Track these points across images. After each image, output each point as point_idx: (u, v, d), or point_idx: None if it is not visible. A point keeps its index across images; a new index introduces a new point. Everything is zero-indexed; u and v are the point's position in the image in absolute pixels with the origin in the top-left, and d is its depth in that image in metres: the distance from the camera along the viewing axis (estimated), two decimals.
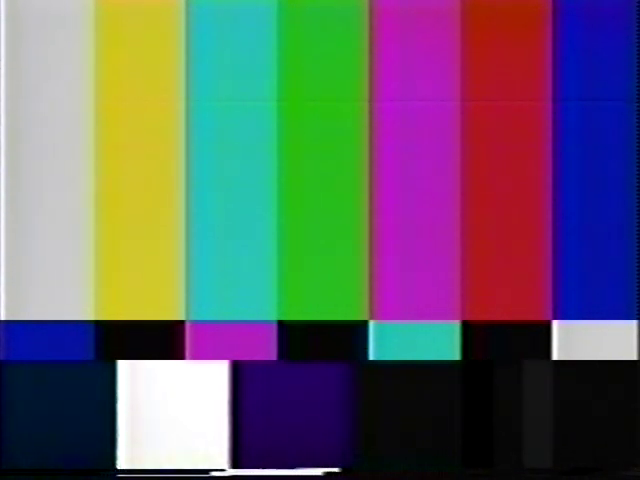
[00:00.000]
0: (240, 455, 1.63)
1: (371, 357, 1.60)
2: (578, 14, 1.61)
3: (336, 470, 1.62)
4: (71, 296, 1.61)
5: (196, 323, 1.61)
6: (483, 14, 1.61)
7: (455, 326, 1.60)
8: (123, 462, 1.62)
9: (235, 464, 1.63)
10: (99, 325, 1.60)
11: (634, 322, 1.61)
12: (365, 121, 1.61)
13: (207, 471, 1.62)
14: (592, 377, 1.62)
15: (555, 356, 1.61)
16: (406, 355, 1.61)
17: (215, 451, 1.62)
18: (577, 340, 1.61)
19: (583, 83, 1.61)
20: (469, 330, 1.60)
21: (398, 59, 1.61)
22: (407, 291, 1.61)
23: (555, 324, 1.61)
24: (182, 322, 1.61)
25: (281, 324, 1.61)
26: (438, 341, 1.60)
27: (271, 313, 1.61)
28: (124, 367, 1.62)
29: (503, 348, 1.61)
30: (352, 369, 1.62)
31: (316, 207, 1.61)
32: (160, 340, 1.60)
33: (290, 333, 1.60)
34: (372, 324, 1.60)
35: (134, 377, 1.62)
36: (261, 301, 1.61)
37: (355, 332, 1.60)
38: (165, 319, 1.61)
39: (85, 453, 1.63)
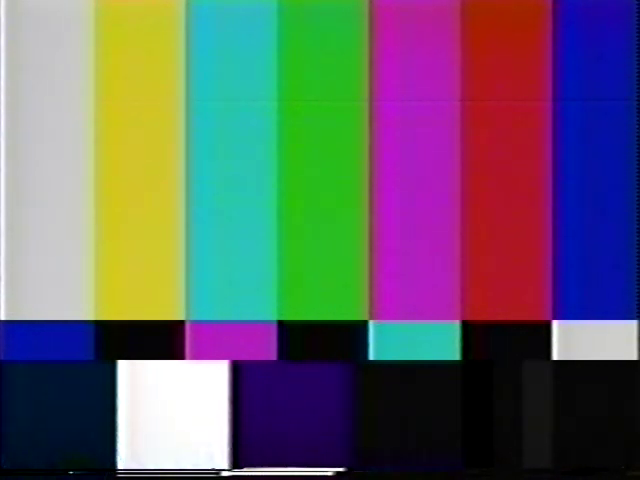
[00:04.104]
0: (240, 455, 1.63)
1: (371, 357, 1.60)
2: (578, 14, 1.61)
3: (336, 470, 1.62)
4: (71, 296, 1.61)
5: (196, 323, 1.61)
6: (483, 14, 1.61)
7: (455, 326, 1.60)
8: (123, 462, 1.62)
9: (235, 464, 1.63)
10: (99, 325, 1.60)
11: (634, 322, 1.61)
12: (365, 121, 1.61)
13: (207, 471, 1.62)
14: (592, 377, 1.62)
15: (555, 356, 1.61)
16: (406, 355, 1.61)
17: (215, 451, 1.62)
18: (577, 340, 1.61)
19: (583, 83, 1.61)
20: (469, 330, 1.60)
21: (398, 59, 1.61)
22: (407, 291, 1.61)
23: (555, 324, 1.61)
24: (182, 322, 1.61)
25: (281, 324, 1.61)
26: (438, 341, 1.60)
27: (271, 313, 1.61)
28: (124, 367, 1.62)
29: (503, 348, 1.61)
30: (352, 369, 1.62)
31: (316, 207, 1.61)
32: (160, 340, 1.60)
33: (290, 333, 1.60)
34: (372, 324, 1.60)
35: (134, 377, 1.62)
36: (261, 301, 1.61)
37: (355, 332, 1.60)
38: (165, 319, 1.61)
39: (85, 453, 1.63)
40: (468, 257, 1.61)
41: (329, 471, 1.62)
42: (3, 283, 1.61)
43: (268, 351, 1.60)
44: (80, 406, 1.63)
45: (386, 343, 1.60)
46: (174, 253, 1.61)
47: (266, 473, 1.62)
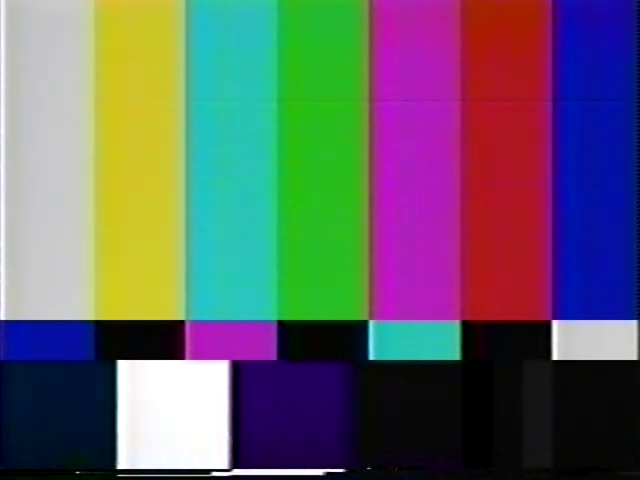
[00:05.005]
0: (240, 455, 1.63)
1: (371, 357, 1.60)
2: (578, 14, 1.61)
3: (336, 470, 1.62)
4: (71, 296, 1.61)
5: (196, 323, 1.61)
6: (483, 14, 1.61)
7: (455, 326, 1.60)
8: (123, 462, 1.62)
9: (235, 464, 1.63)
10: (99, 325, 1.60)
11: (634, 322, 1.61)
12: (365, 121, 1.61)
13: (207, 471, 1.62)
14: (592, 377, 1.62)
15: (555, 356, 1.61)
16: (406, 355, 1.61)
17: (215, 451, 1.62)
18: (577, 340, 1.61)
19: (583, 83, 1.61)
20: (469, 330, 1.60)
21: (398, 59, 1.61)
22: (407, 291, 1.61)
23: (555, 324, 1.61)
24: (182, 322, 1.61)
25: (281, 324, 1.61)
26: (438, 341, 1.60)
27: (271, 313, 1.61)
28: (124, 367, 1.62)
29: (503, 348, 1.61)
30: (352, 369, 1.62)
31: (316, 207, 1.61)
32: (160, 340, 1.60)
33: (290, 333, 1.60)
34: (372, 324, 1.60)
35: (134, 377, 1.62)
36: (261, 301, 1.61)
37: (355, 332, 1.60)
38: (165, 319, 1.61)
39: (85, 453, 1.63)
40: (468, 257, 1.61)
41: (329, 471, 1.62)
42: (3, 283, 1.61)
43: (268, 351, 1.60)
44: (80, 406, 1.63)
45: (386, 343, 1.60)
46: (174, 253, 1.61)
47: (266, 473, 1.62)
